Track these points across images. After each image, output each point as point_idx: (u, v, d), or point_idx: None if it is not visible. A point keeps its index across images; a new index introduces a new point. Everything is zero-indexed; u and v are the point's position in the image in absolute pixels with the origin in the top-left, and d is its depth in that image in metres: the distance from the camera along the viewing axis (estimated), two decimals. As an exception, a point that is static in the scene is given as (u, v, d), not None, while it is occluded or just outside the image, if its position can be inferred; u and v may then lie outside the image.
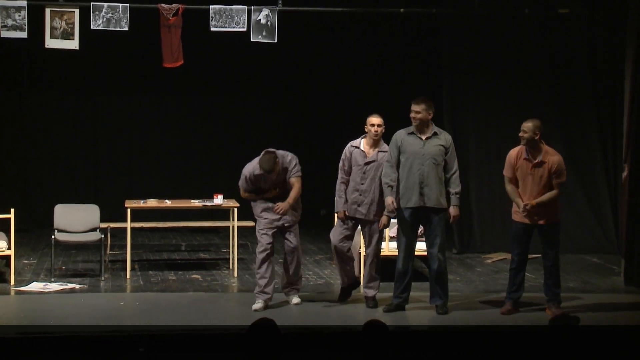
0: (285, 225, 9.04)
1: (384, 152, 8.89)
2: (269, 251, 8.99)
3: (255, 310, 8.83)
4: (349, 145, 9.05)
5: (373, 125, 8.89)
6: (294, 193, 8.97)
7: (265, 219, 9.04)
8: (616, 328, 8.14)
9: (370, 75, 14.51)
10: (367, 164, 8.91)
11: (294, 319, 8.68)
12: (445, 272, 8.85)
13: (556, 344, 5.43)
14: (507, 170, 8.83)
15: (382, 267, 9.10)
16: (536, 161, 8.67)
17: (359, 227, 9.15)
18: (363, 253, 9.48)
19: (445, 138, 8.77)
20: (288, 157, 9.02)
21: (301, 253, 9.34)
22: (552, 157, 8.69)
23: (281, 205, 8.94)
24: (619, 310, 9.18)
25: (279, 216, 8.99)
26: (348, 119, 14.15)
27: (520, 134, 8.69)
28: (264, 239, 8.99)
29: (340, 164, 9.06)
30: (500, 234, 12.24)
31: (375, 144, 8.93)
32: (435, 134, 8.75)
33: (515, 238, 8.86)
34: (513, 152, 8.83)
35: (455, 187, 8.74)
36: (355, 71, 14.58)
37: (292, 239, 9.07)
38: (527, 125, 8.65)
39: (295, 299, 9.15)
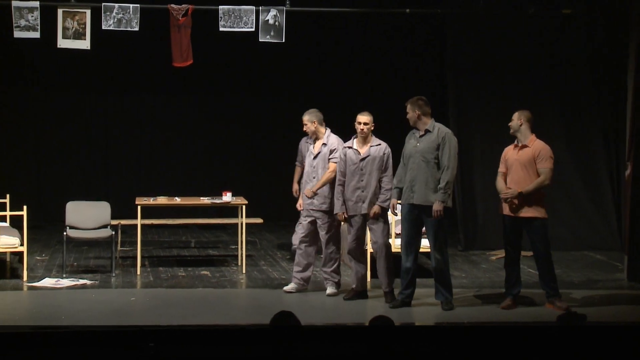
0: (312, 210, 9.35)
1: (376, 146, 9.08)
2: (299, 240, 9.45)
3: (285, 291, 9.50)
4: (342, 147, 9.27)
5: (360, 123, 9.12)
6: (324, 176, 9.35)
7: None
8: (619, 324, 8.18)
9: (376, 74, 14.59)
10: (362, 160, 9.08)
11: (299, 314, 8.73)
12: (444, 271, 8.87)
13: (562, 340, 5.50)
14: (500, 165, 9.06)
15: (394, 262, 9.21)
16: (521, 144, 8.87)
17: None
18: (370, 250, 9.58)
19: (437, 134, 8.76)
20: (337, 141, 9.43)
21: (335, 247, 9.50)
22: (537, 143, 8.89)
23: (308, 190, 9.38)
24: (622, 306, 9.22)
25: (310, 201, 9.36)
26: (354, 118, 14.30)
27: (509, 123, 8.99)
28: (298, 228, 9.33)
29: (337, 166, 9.23)
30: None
31: (365, 141, 9.13)
32: (428, 131, 8.81)
33: (504, 233, 9.02)
34: (506, 147, 9.12)
35: (441, 182, 8.68)
36: (361, 71, 14.65)
37: (321, 232, 9.39)
38: (514, 114, 8.98)
39: (329, 289, 9.45)
